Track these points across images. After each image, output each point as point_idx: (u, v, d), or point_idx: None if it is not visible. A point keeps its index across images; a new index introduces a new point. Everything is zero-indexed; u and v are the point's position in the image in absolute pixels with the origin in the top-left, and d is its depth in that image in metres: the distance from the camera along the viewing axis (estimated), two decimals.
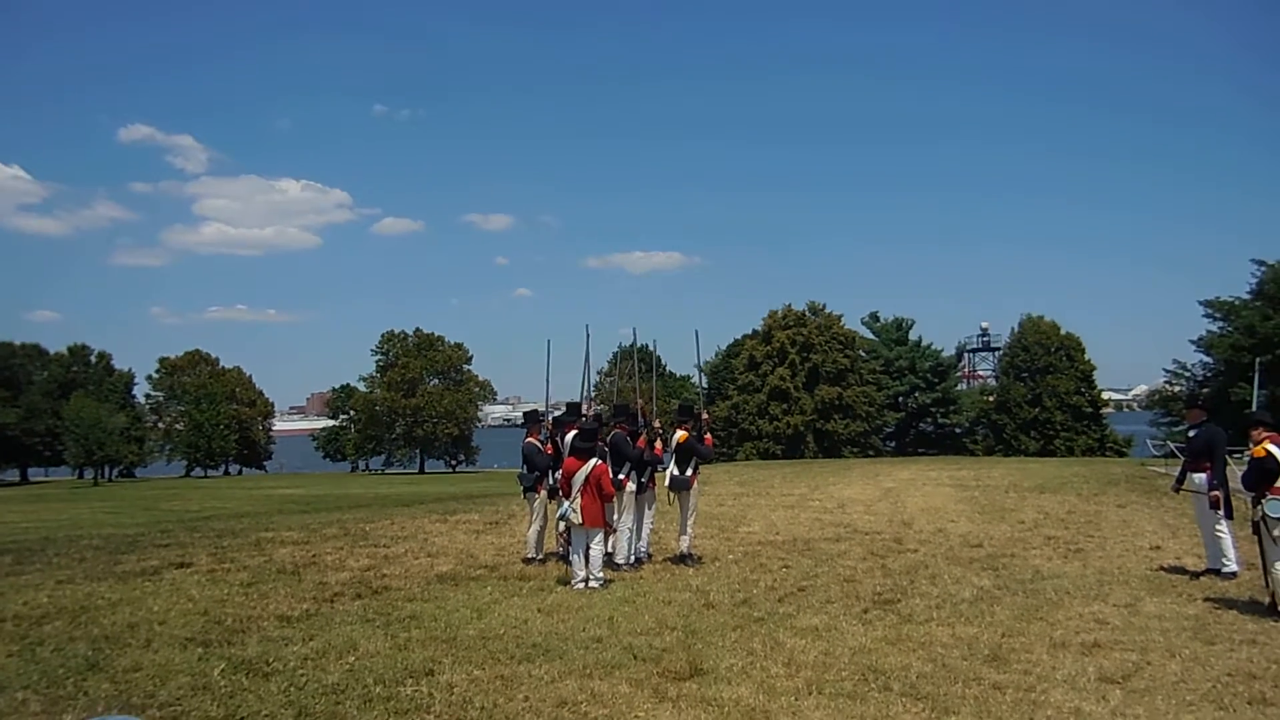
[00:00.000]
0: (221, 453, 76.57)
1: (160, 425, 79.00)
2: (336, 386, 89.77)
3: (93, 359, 77.52)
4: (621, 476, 10.90)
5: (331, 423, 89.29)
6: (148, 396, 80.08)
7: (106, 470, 68.50)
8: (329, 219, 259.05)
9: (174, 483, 60.39)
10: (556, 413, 12.92)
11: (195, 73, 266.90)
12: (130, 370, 78.87)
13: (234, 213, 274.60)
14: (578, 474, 9.91)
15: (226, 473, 78.41)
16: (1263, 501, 8.32)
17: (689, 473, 11.40)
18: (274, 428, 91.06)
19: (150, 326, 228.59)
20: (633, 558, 11.11)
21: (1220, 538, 10.06)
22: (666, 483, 11.57)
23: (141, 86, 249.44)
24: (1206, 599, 8.92)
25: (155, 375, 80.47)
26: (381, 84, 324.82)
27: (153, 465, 76.61)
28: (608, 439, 11.04)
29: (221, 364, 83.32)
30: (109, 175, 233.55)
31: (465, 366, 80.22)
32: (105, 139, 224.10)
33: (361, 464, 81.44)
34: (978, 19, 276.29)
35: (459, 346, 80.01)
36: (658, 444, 11.67)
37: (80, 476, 68.70)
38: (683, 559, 11.23)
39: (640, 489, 11.31)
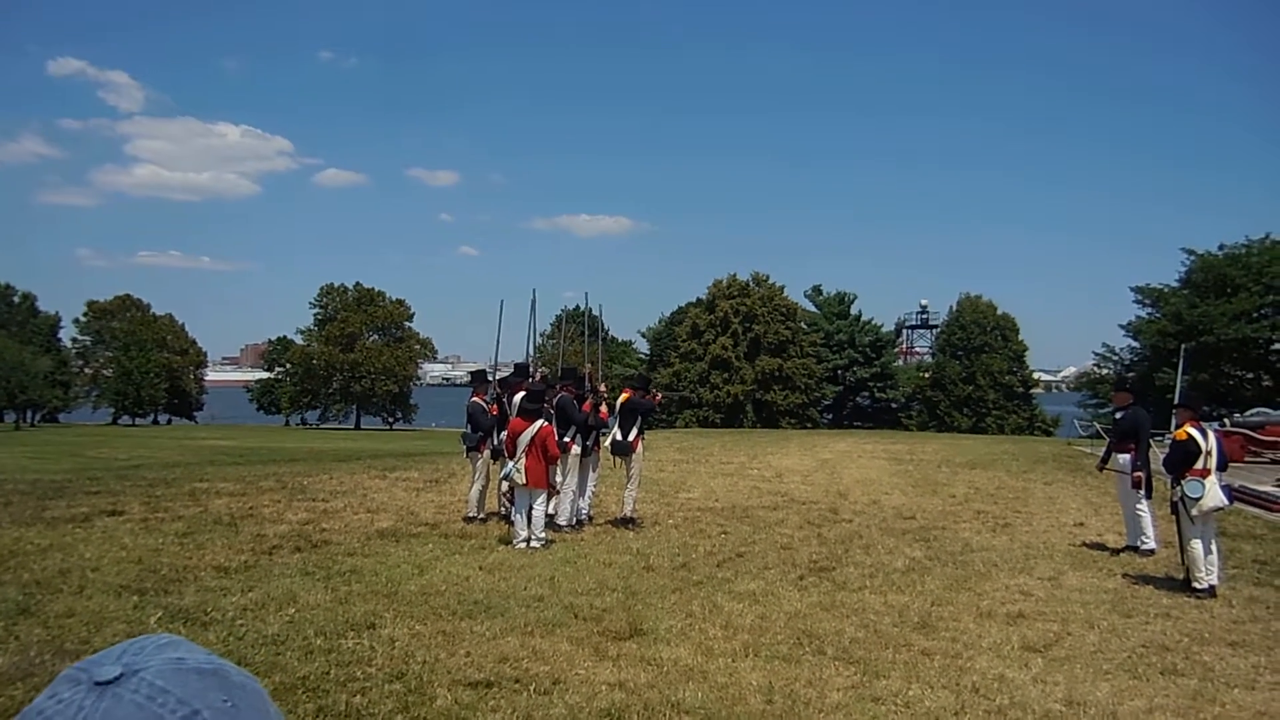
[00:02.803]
0: (151, 401, 74.58)
1: (87, 371, 76.66)
2: (272, 338, 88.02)
3: (16, 299, 74.69)
4: (567, 439, 10.95)
5: (266, 375, 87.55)
6: (74, 340, 77.48)
7: (29, 414, 66.38)
8: (269, 166, 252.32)
9: (100, 430, 58.74)
10: (503, 373, 12.88)
11: (131, 5, 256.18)
12: (56, 313, 76.20)
13: (169, 155, 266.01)
14: (523, 435, 9.92)
15: (155, 421, 76.45)
16: (1182, 483, 8.67)
17: (631, 437, 11.49)
18: (206, 378, 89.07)
19: (77, 269, 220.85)
20: (574, 519, 11.19)
21: (1140, 516, 10.48)
22: (609, 446, 11.65)
23: (73, 17, 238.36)
24: (1125, 574, 9.31)
25: (82, 319, 77.91)
26: (329, 30, 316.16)
27: (78, 411, 74.43)
28: (554, 402, 11.07)
29: (153, 310, 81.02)
30: (36, 109, 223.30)
31: (406, 324, 79.19)
32: (32, 71, 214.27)
33: (295, 418, 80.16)
34: None
35: (400, 303, 78.82)
36: (603, 408, 11.75)
37: (1, 420, 66.56)
38: (624, 522, 11.35)
39: (585, 452, 11.39)
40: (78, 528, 10.17)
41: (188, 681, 0.74)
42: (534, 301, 13.71)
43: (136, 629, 6.28)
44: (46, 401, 66.63)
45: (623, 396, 11.57)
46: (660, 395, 12.12)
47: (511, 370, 12.55)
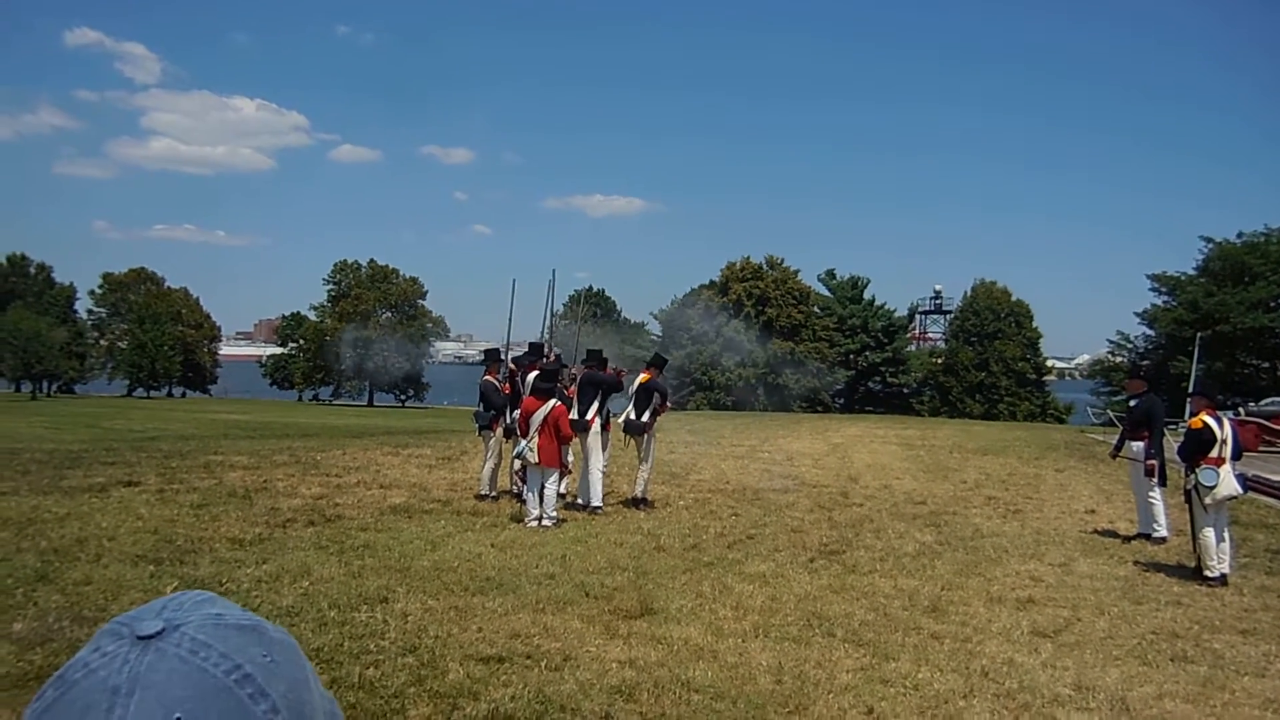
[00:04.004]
0: (165, 374, 75.03)
1: (102, 342, 77.16)
2: (286, 314, 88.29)
3: (32, 270, 75.14)
4: (589, 416, 10.98)
5: (279, 350, 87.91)
6: (90, 312, 77.98)
7: (45, 385, 66.91)
8: (284, 142, 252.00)
9: (115, 401, 59.21)
10: (515, 352, 12.92)
11: None
12: (72, 284, 76.71)
13: (184, 129, 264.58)
14: (536, 414, 9.96)
15: (170, 394, 76.98)
16: (1196, 471, 8.64)
17: (645, 418, 11.50)
18: (220, 352, 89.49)
19: (93, 241, 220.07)
20: (598, 501, 11.07)
21: (1153, 504, 10.45)
22: (621, 425, 11.67)
23: None
24: (1136, 561, 9.30)
25: (98, 291, 78.32)
26: (345, 5, 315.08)
27: (93, 383, 75.02)
28: (578, 379, 11.12)
29: (167, 284, 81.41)
30: (52, 80, 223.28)
31: (419, 301, 79.37)
32: (50, 41, 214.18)
33: (308, 393, 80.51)
34: None
35: (413, 280, 78.94)
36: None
37: (17, 390, 67.06)
38: (635, 503, 11.39)
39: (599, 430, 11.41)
40: (94, 497, 10.28)
41: (228, 637, 0.76)
42: (552, 282, 13.76)
43: (153, 597, 6.32)
44: (63, 372, 67.21)
45: (642, 376, 11.57)
46: (668, 406, 12.03)
47: (526, 349, 12.57)
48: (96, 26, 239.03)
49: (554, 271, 13.65)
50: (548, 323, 14.09)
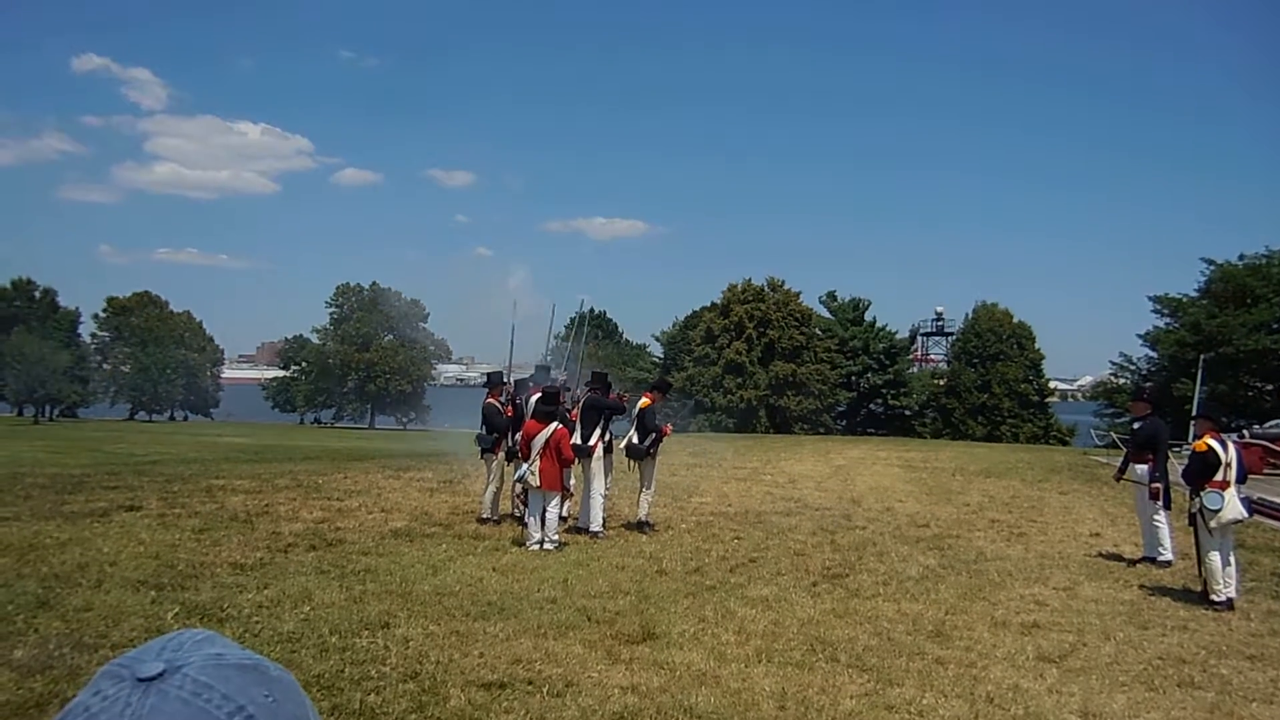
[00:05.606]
0: (168, 398, 75.25)
1: (105, 366, 77.31)
2: (288, 337, 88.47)
3: (37, 294, 75.35)
4: (591, 442, 10.96)
5: (282, 373, 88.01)
6: (94, 336, 78.17)
7: (48, 409, 66.98)
8: (288, 165, 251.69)
9: (118, 425, 59.21)
10: (517, 375, 12.93)
11: (155, 4, 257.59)
12: (76, 308, 76.90)
13: (189, 153, 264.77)
14: (538, 437, 9.94)
15: (172, 418, 77.07)
16: (1201, 494, 8.61)
17: (647, 442, 11.47)
18: (223, 375, 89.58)
19: (97, 265, 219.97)
20: (598, 525, 11.03)
21: (1158, 527, 10.40)
22: (624, 449, 11.66)
23: (96, 15, 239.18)
24: (1142, 585, 9.24)
25: (102, 315, 78.55)
26: (349, 29, 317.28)
27: (96, 407, 75.07)
28: (581, 403, 11.12)
29: (170, 307, 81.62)
30: (59, 106, 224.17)
31: (421, 324, 79.55)
32: (57, 67, 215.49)
33: (310, 416, 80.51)
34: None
35: (415, 303, 79.30)
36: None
37: (20, 414, 67.10)
38: (637, 526, 11.35)
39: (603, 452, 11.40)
40: (96, 522, 10.26)
41: (229, 677, 0.75)
42: (553, 311, 13.85)
43: (154, 624, 6.33)
44: (65, 396, 67.35)
45: (643, 401, 11.57)
46: (669, 429, 12.05)
47: (532, 372, 12.58)
48: (103, 53, 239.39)
49: (553, 306, 13.81)
50: (550, 345, 14.12)
